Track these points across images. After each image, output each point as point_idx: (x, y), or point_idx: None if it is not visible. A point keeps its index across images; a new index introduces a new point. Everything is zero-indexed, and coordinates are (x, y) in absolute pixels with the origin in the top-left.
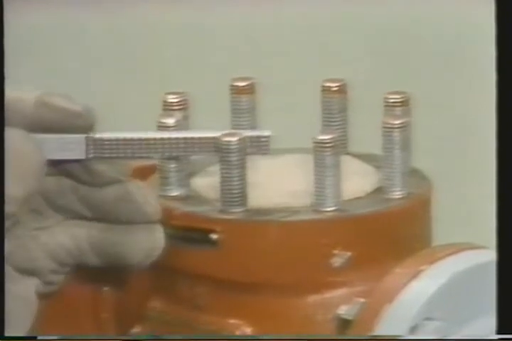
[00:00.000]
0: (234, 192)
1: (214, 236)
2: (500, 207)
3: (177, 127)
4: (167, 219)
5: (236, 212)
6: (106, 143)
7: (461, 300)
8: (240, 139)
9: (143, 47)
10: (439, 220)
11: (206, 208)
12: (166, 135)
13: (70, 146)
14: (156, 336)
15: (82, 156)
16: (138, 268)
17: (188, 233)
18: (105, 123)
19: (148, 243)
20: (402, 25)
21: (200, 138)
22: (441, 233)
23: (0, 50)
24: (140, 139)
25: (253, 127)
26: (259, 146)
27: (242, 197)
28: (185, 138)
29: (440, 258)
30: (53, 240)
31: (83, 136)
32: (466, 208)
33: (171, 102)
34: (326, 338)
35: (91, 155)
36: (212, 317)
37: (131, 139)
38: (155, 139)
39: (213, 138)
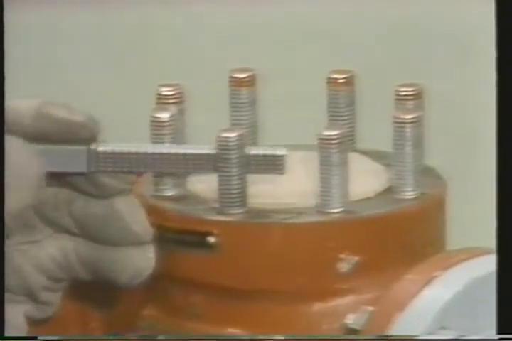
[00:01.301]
0: (233, 191)
1: (211, 240)
2: (500, 208)
3: (172, 122)
4: (161, 221)
5: (235, 214)
6: (109, 156)
7: (477, 309)
8: (239, 135)
9: (140, 40)
10: (452, 222)
11: (203, 209)
12: (172, 150)
13: (71, 159)
14: (155, 336)
15: (84, 169)
16: (126, 286)
17: (183, 236)
18: (103, 119)
19: (137, 263)
20: (401, 24)
21: (202, 155)
22: (454, 236)
23: (0, 50)
24: (145, 154)
25: (254, 122)
26: (274, 166)
27: (242, 198)
28: (185, 155)
29: (455, 264)
30: (43, 253)
31: (85, 148)
32: (479, 209)
33: (166, 95)
34: (335, 338)
35: (93, 169)
36: (210, 327)
37: (136, 153)
38: (160, 154)
39: (218, 154)
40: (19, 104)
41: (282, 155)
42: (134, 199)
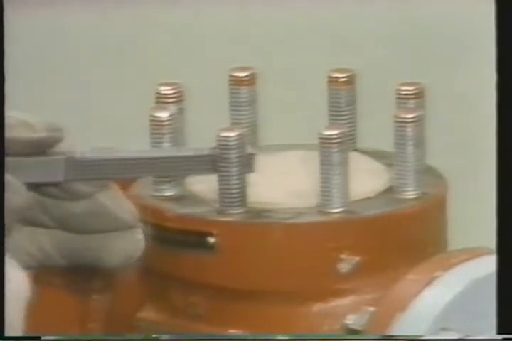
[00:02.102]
0: (232, 191)
1: (211, 240)
2: (501, 208)
3: (171, 121)
4: (160, 222)
5: (235, 214)
6: (87, 164)
7: (478, 310)
8: (239, 134)
9: (140, 40)
10: (452, 222)
11: (202, 209)
12: (151, 154)
13: (48, 169)
14: (155, 336)
15: (61, 179)
16: (116, 269)
17: (182, 236)
18: (103, 119)
19: (127, 246)
20: (401, 24)
21: (188, 157)
22: (454, 236)
23: (0, 50)
24: (123, 159)
25: (253, 121)
26: (244, 165)
27: (242, 198)
28: (172, 158)
29: (456, 264)
30: (13, 247)
31: (63, 157)
32: (479, 209)
33: (165, 94)
34: (335, 339)
35: (70, 177)
36: (210, 328)
37: (114, 159)
38: (140, 159)
39: (206, 156)
40: None
41: (252, 154)
42: (115, 188)
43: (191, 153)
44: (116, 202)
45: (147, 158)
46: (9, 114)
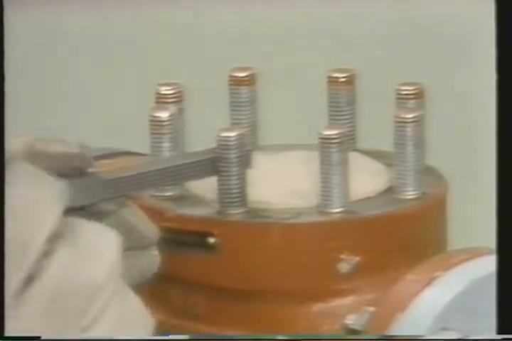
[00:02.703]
0: (233, 191)
1: (211, 240)
2: (501, 208)
3: (171, 121)
4: (160, 222)
5: (235, 214)
6: (117, 181)
7: (478, 310)
8: (239, 134)
9: (140, 40)
10: (452, 222)
11: (203, 209)
12: (162, 165)
13: (80, 192)
14: (159, 336)
15: (94, 200)
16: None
17: (182, 237)
18: (103, 119)
19: (144, 264)
20: (402, 24)
21: (199, 161)
22: (454, 236)
23: (0, 50)
24: (148, 172)
25: (253, 121)
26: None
27: (242, 198)
28: (183, 165)
29: (456, 264)
30: None
31: (92, 179)
32: (479, 209)
33: (165, 94)
34: (335, 338)
35: (104, 197)
36: (211, 328)
37: (137, 174)
38: (162, 169)
39: (210, 158)
40: (9, 144)
41: (248, 150)
42: (135, 206)
43: (202, 158)
44: (139, 218)
45: (160, 170)
46: (49, 146)
